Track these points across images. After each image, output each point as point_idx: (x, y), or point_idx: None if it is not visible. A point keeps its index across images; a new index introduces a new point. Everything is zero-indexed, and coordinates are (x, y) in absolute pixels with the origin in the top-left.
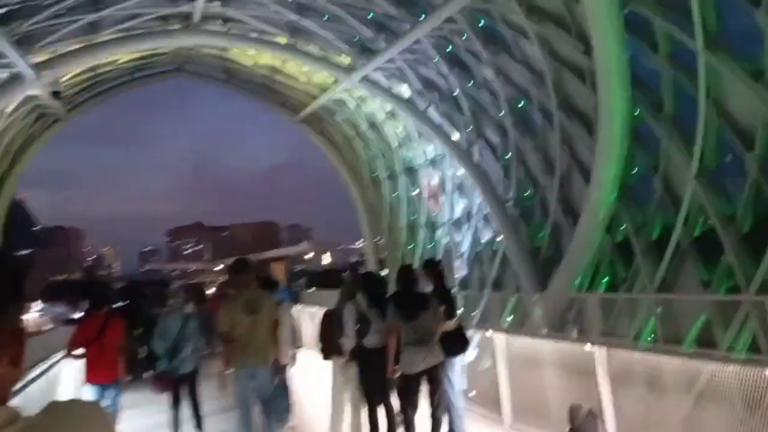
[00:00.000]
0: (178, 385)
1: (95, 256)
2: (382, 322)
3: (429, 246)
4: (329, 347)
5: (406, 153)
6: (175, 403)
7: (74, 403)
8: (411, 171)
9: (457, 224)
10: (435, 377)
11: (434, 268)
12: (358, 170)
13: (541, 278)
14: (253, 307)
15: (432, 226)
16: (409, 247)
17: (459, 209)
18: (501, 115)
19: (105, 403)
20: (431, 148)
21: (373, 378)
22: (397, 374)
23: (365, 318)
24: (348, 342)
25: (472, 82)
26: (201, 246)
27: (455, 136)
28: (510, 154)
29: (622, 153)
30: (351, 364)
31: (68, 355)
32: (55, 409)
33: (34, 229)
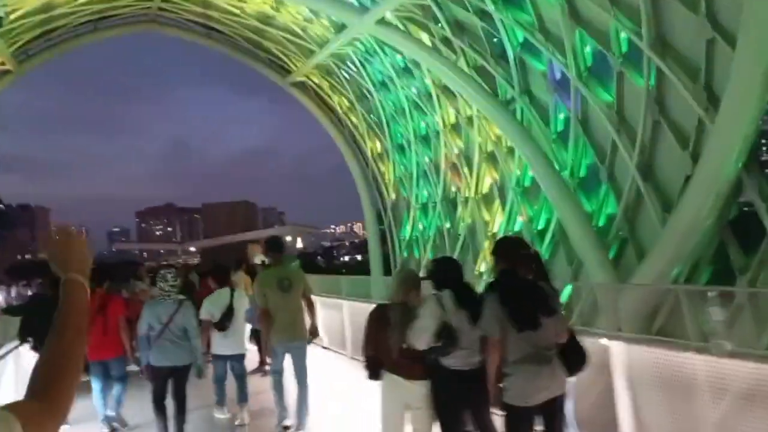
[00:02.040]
0: (164, 381)
1: None
2: (474, 330)
3: (447, 226)
4: (380, 361)
5: (422, 117)
6: (158, 402)
7: None
8: (427, 139)
9: (488, 200)
10: (557, 412)
11: (530, 252)
12: (359, 140)
13: (613, 265)
14: (287, 284)
15: (452, 202)
16: (420, 227)
17: (487, 182)
18: (556, 59)
19: (114, 374)
20: (453, 111)
21: (460, 414)
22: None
23: (447, 326)
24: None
25: (518, 17)
26: (171, 228)
27: (491, 91)
28: (568, 109)
29: (759, 104)
30: (418, 393)
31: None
32: None
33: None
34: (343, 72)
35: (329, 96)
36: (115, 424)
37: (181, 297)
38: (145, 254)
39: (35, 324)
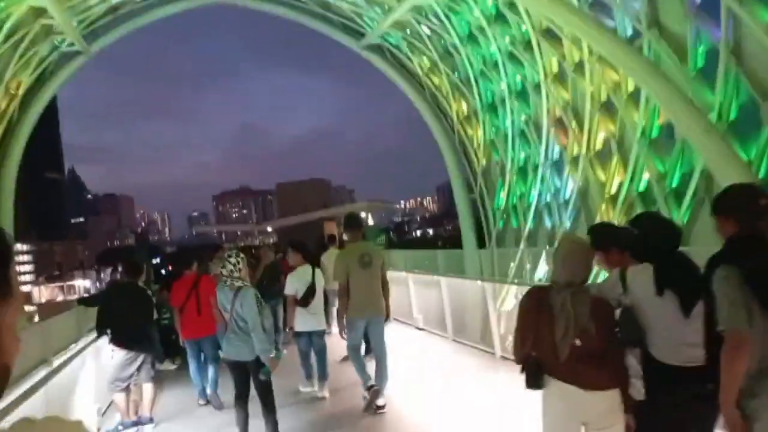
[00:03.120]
0: (239, 374)
1: (146, 223)
2: (689, 323)
3: (552, 190)
4: (542, 363)
5: (517, 70)
6: (237, 397)
7: (52, 423)
8: (524, 94)
9: (603, 157)
10: None
11: None
12: (443, 103)
13: None
14: (368, 260)
15: (557, 163)
16: (518, 194)
17: (600, 137)
18: None
19: (208, 353)
20: (557, 58)
21: None
22: None
23: (630, 315)
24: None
25: None
26: (246, 210)
27: (610, 24)
28: (713, 39)
29: None
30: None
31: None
32: (25, 428)
33: (88, 197)
34: (423, 28)
35: (408, 57)
36: (204, 401)
37: (239, 284)
38: (223, 236)
39: (112, 314)
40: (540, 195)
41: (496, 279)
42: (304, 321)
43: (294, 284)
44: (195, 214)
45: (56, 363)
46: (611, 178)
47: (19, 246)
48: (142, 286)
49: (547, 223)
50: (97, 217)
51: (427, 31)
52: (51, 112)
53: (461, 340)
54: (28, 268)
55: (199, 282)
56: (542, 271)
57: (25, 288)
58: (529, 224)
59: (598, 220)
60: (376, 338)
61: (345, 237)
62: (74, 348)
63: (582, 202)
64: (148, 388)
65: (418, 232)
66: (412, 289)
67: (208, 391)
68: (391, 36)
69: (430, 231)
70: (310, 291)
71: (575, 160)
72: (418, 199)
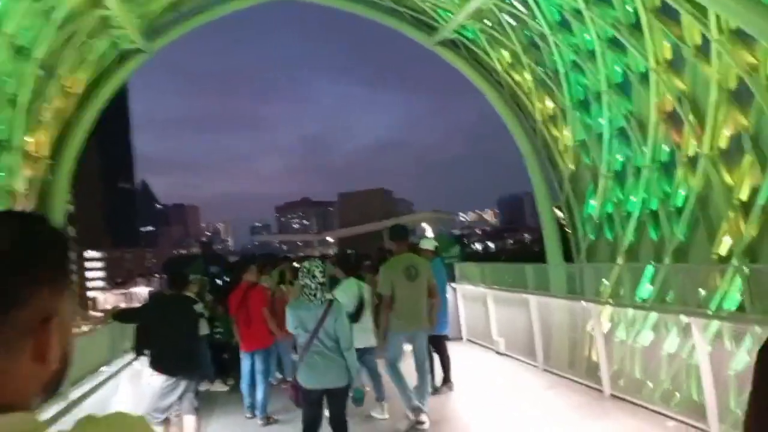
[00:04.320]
0: (316, 406)
1: (211, 232)
2: None
3: (658, 198)
4: None
5: (618, 58)
6: (309, 429)
7: (116, 418)
8: (625, 86)
9: (730, 156)
10: None
11: None
12: (524, 101)
13: None
14: (414, 272)
15: (667, 165)
16: (615, 201)
17: (725, 133)
18: None
19: (258, 367)
20: (671, 42)
21: None
22: None
23: None
24: None
25: None
26: (308, 221)
27: None
28: None
29: None
30: None
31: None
32: (90, 424)
33: (158, 207)
34: (505, 16)
35: (485, 52)
36: (251, 414)
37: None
38: (284, 246)
39: (152, 332)
40: (644, 203)
41: (606, 300)
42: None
43: (341, 299)
44: (258, 224)
45: (75, 395)
46: (742, 182)
47: (92, 253)
48: (193, 297)
49: (653, 235)
50: (166, 226)
51: (510, 20)
52: (124, 123)
53: (555, 371)
54: (100, 274)
55: (249, 292)
56: (645, 291)
57: (92, 294)
58: (629, 236)
59: (723, 230)
60: (419, 354)
61: (392, 248)
62: (106, 372)
63: (701, 211)
64: (190, 420)
65: (479, 246)
66: (492, 307)
67: (257, 412)
68: (467, 29)
69: (491, 244)
70: (361, 305)
71: (692, 161)
72: (477, 211)
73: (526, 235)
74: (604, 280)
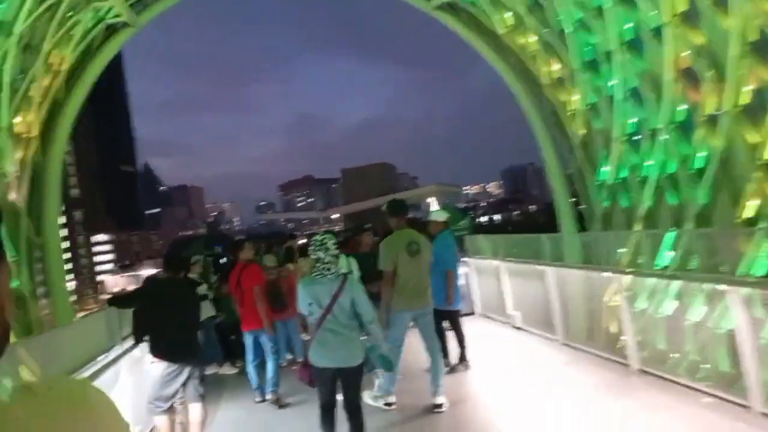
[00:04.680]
0: (330, 385)
1: (216, 212)
2: None
3: (677, 160)
4: None
5: (629, 14)
6: (324, 412)
7: (57, 384)
8: (637, 44)
9: (754, 113)
10: None
11: None
12: (529, 65)
13: None
14: (415, 248)
15: (684, 125)
16: (630, 166)
17: (748, 88)
18: None
19: (264, 346)
20: None
21: None
22: None
23: None
24: None
25: None
26: (312, 199)
27: None
28: None
29: None
30: None
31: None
32: (29, 395)
33: (162, 189)
34: None
35: (487, 15)
36: (269, 397)
37: (345, 270)
38: (290, 225)
39: (151, 317)
40: (661, 166)
41: (628, 269)
42: None
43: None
44: (262, 203)
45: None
46: (767, 140)
47: (99, 237)
48: (196, 279)
49: (672, 200)
50: (170, 208)
51: None
52: (123, 106)
53: (576, 345)
54: (107, 257)
55: (243, 272)
56: (666, 258)
57: (101, 277)
58: (647, 202)
59: (748, 192)
60: (426, 332)
61: (391, 223)
62: (103, 359)
63: (723, 172)
64: (196, 408)
65: (484, 218)
66: (506, 280)
67: (267, 393)
68: None
69: (496, 216)
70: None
71: (712, 120)
72: (482, 184)
73: (531, 207)
74: (621, 248)
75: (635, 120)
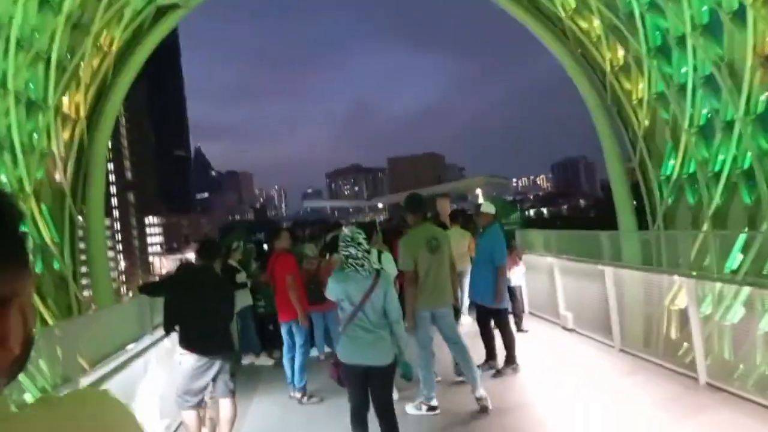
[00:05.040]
0: (360, 384)
1: (264, 198)
2: None
3: (754, 155)
4: None
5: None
6: (355, 413)
7: (74, 398)
8: (713, 28)
9: None
10: None
11: None
12: (592, 49)
13: None
14: (435, 244)
15: (765, 118)
16: (699, 161)
17: None
18: None
19: (296, 339)
20: None
21: None
22: None
23: None
24: None
25: None
26: (358, 187)
27: None
28: None
29: None
30: None
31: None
32: (44, 406)
33: (212, 174)
34: None
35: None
36: (297, 394)
37: (378, 266)
38: (336, 213)
39: (181, 307)
40: (735, 161)
41: (703, 273)
42: None
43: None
44: (309, 190)
45: (96, 376)
46: None
47: (151, 219)
48: (235, 266)
49: (746, 198)
50: (220, 192)
51: None
52: (178, 92)
53: (635, 352)
54: (158, 239)
55: (276, 260)
56: (736, 261)
57: (151, 258)
58: (717, 199)
59: None
60: (450, 332)
61: (409, 220)
62: (133, 348)
63: None
64: (226, 404)
65: (532, 212)
66: (559, 279)
67: (293, 391)
68: None
69: (544, 210)
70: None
71: None
72: (531, 177)
73: (581, 201)
74: (686, 249)
75: (707, 111)
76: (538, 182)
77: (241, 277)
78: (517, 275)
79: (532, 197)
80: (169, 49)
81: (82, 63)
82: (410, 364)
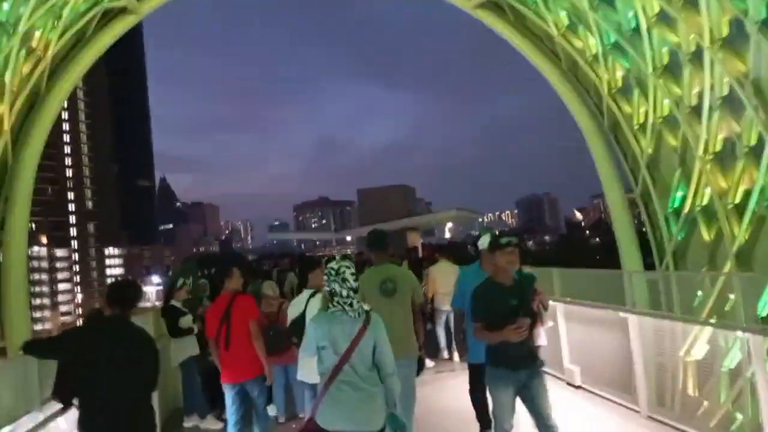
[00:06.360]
0: None
1: (230, 230)
2: None
3: None
4: None
5: (725, 6)
6: None
7: None
8: (736, 41)
9: None
10: None
11: None
12: (586, 70)
13: None
14: (390, 287)
15: None
16: (715, 192)
17: None
18: None
19: (260, 403)
20: None
21: None
22: None
23: None
24: None
25: None
26: (325, 220)
27: None
28: None
29: None
30: None
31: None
32: None
33: (177, 205)
34: None
35: (538, 13)
36: None
37: (368, 308)
38: (303, 245)
39: (86, 375)
40: (763, 191)
41: (757, 325)
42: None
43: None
44: (276, 223)
45: None
46: None
47: (111, 250)
48: (179, 308)
49: None
50: (184, 224)
51: None
52: (143, 120)
53: (667, 421)
54: (118, 271)
55: (233, 302)
56: (764, 307)
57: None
58: (740, 236)
59: None
60: (404, 386)
61: (372, 258)
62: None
63: None
64: None
65: None
66: (563, 326)
67: None
68: None
69: None
70: (296, 323)
71: None
72: (497, 213)
73: (546, 237)
74: (700, 291)
75: (722, 135)
76: (503, 218)
77: (186, 321)
78: (542, 336)
79: (498, 232)
80: (134, 75)
81: (8, 68)
82: (401, 419)
